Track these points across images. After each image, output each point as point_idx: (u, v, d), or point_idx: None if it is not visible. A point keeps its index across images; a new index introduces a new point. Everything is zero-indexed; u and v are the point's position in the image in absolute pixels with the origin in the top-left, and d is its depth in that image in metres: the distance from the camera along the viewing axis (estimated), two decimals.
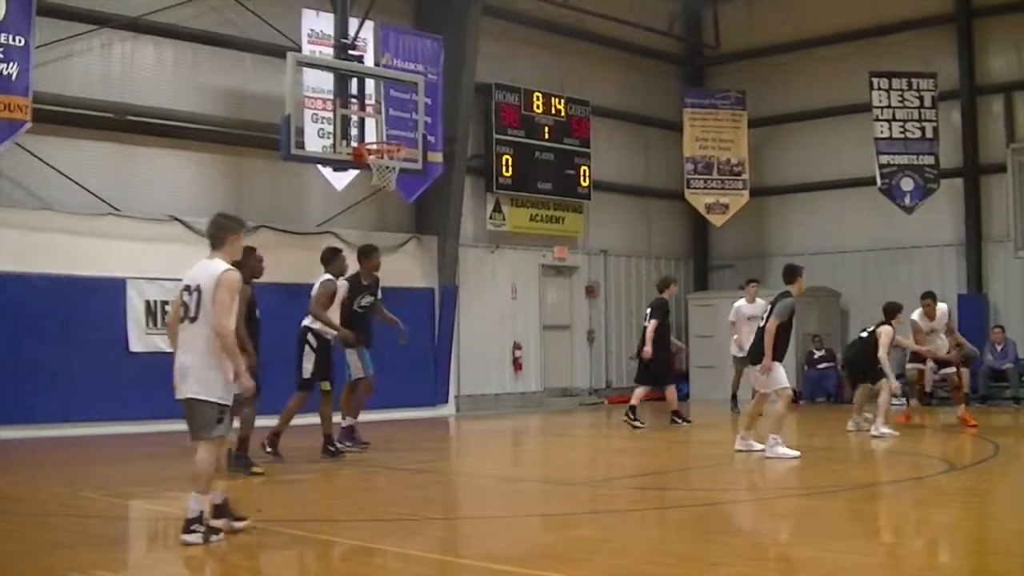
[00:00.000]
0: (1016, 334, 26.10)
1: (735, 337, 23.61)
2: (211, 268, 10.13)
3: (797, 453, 15.49)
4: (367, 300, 17.00)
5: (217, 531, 9.81)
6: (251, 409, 14.01)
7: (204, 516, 9.78)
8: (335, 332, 15.89)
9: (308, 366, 15.73)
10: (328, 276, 16.10)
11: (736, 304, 23.93)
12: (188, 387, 9.93)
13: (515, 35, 27.47)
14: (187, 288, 10.14)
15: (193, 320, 9.98)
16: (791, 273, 17.00)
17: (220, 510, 10.09)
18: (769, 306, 16.42)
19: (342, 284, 16.48)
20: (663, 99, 31.34)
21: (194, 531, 9.69)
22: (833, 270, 29.17)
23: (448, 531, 11.02)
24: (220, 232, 10.43)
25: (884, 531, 10.24)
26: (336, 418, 16.80)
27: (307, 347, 15.77)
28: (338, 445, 16.23)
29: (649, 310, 21.34)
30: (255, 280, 14.34)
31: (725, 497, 12.85)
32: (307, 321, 15.85)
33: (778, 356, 16.07)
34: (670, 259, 31.72)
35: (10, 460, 16.50)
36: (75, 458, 16.65)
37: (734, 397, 24.07)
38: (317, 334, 15.75)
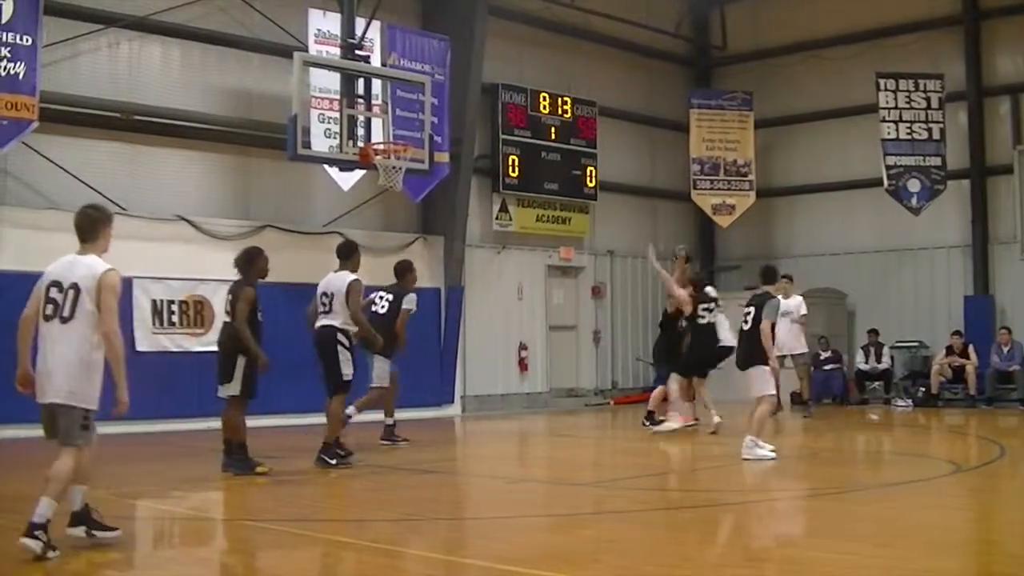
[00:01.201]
0: (1023, 336, 26.08)
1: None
2: (90, 266, 9.70)
3: (774, 455, 15.23)
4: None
5: (53, 547, 9.09)
6: (242, 413, 13.96)
7: (49, 524, 9.21)
8: (363, 335, 15.69)
9: (348, 369, 15.14)
10: (356, 276, 15.76)
11: None
12: (55, 391, 9.38)
13: (522, 35, 27.49)
14: (57, 284, 9.61)
15: (66, 320, 9.48)
16: (773, 274, 16.62)
17: (78, 517, 9.71)
18: (752, 308, 16.05)
19: (415, 299, 16.98)
20: (670, 100, 31.33)
21: (36, 537, 9.07)
22: (839, 271, 29.20)
23: (454, 531, 11.02)
24: (93, 225, 10.06)
25: (888, 533, 10.22)
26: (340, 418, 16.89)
27: (341, 347, 15.16)
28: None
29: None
30: (260, 280, 14.33)
31: (730, 498, 12.84)
32: (336, 322, 15.27)
33: (764, 360, 15.79)
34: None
35: (15, 459, 16.50)
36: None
37: (805, 402, 23.46)
38: (348, 334, 15.33)
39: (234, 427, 13.98)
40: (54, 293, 9.50)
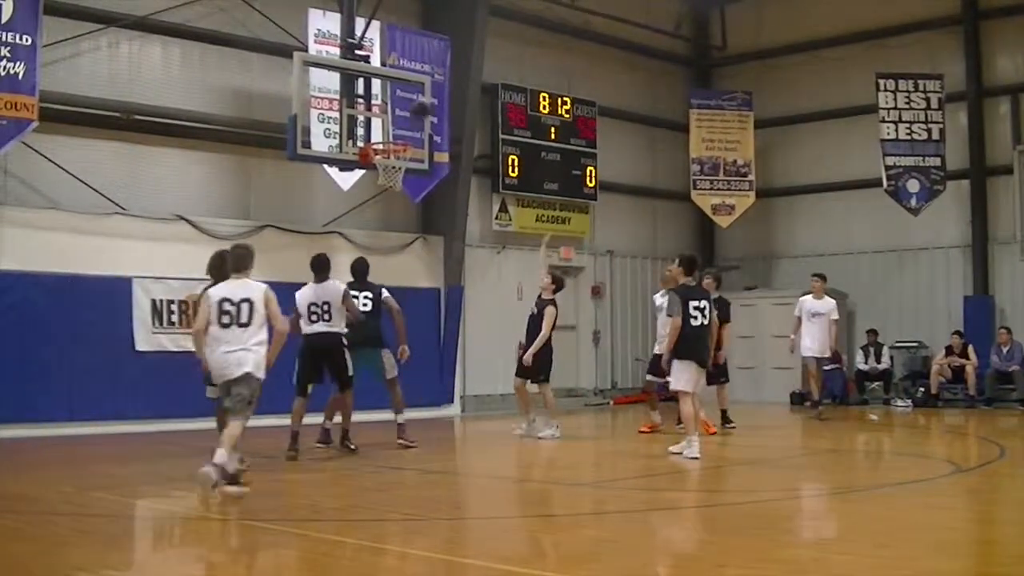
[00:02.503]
0: (1022, 336, 26.09)
1: (792, 336, 22.57)
2: (255, 287, 12.47)
3: (698, 456, 15.16)
4: None
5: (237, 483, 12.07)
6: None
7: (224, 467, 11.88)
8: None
9: (351, 367, 16.32)
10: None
11: (801, 299, 22.77)
12: (244, 367, 12.22)
13: (522, 35, 27.50)
14: (228, 300, 12.29)
15: (244, 325, 12.25)
16: (693, 264, 16.39)
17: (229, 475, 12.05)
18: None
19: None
20: (670, 100, 31.35)
21: (215, 469, 11.83)
22: (839, 271, 29.15)
23: (454, 531, 11.01)
24: (247, 260, 12.73)
25: (889, 533, 10.22)
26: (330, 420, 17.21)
27: (345, 350, 16.29)
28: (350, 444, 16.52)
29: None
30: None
31: (729, 499, 12.84)
32: (338, 327, 16.24)
33: (683, 354, 15.64)
34: (676, 260, 31.62)
35: (16, 459, 16.52)
36: (81, 457, 16.65)
37: (804, 397, 23.15)
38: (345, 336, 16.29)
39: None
40: (227, 307, 12.29)
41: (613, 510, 12.11)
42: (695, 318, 15.62)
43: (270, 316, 12.39)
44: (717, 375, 19.58)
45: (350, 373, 16.25)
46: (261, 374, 12.34)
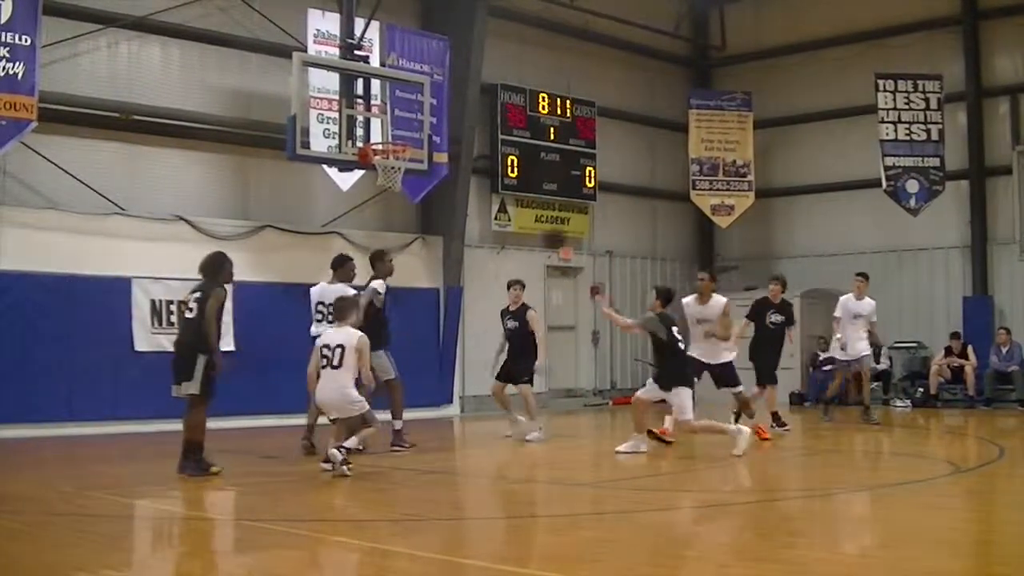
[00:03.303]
0: (1021, 336, 26.10)
1: (838, 336, 21.61)
2: (349, 335, 13.79)
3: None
4: (389, 301, 17.29)
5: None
6: (202, 413, 13.93)
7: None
8: None
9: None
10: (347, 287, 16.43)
11: (842, 299, 21.85)
12: (339, 410, 13.97)
13: (521, 36, 27.52)
14: (327, 346, 13.72)
15: (336, 367, 13.64)
16: (669, 297, 16.47)
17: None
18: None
19: (378, 286, 16.92)
20: (669, 100, 31.35)
21: (339, 453, 13.58)
22: (838, 272, 29.09)
23: (453, 532, 11.01)
24: (348, 309, 14.19)
25: (889, 533, 10.23)
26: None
27: None
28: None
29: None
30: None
31: (731, 498, 12.84)
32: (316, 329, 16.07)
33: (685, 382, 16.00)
34: (675, 260, 31.73)
35: (16, 459, 16.52)
36: (81, 457, 16.67)
37: (827, 404, 22.26)
38: None
39: (193, 427, 13.94)
40: (325, 352, 13.70)
41: (612, 510, 12.10)
42: (680, 342, 16.00)
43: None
44: (767, 377, 19.71)
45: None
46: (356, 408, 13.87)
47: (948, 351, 26.10)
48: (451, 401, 24.93)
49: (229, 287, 14.58)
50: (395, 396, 17.03)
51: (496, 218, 26.88)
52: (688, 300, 17.94)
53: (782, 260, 31.10)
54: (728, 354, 17.77)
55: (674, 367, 15.77)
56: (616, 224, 30.09)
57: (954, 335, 26.33)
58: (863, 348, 21.22)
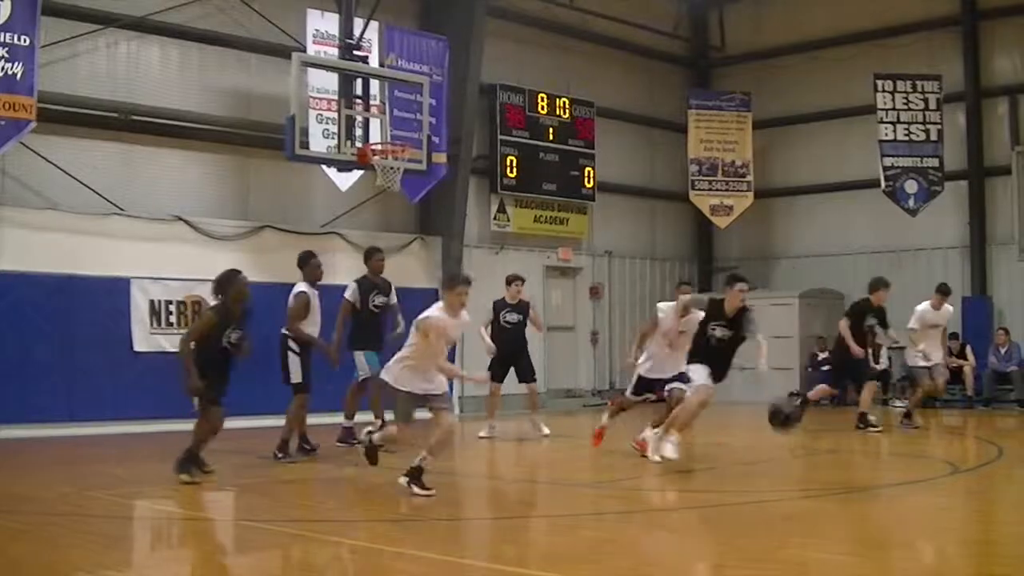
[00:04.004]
0: (1020, 337, 26.12)
1: (921, 347, 21.09)
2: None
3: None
4: (380, 300, 17.17)
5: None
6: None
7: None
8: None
9: (296, 369, 15.88)
10: (302, 289, 16.19)
11: (919, 309, 21.51)
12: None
13: (520, 36, 27.52)
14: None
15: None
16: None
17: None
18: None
19: (352, 287, 16.94)
20: (668, 100, 31.36)
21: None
22: (837, 272, 29.21)
23: (452, 532, 11.01)
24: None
25: (889, 533, 10.23)
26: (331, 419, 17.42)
27: (290, 352, 15.92)
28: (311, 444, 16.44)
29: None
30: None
31: (729, 499, 12.83)
32: (285, 328, 16.02)
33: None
34: (674, 260, 31.75)
35: (16, 459, 16.51)
36: (80, 457, 16.67)
37: (908, 415, 21.45)
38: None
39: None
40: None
41: (611, 511, 12.11)
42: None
43: None
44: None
45: (294, 379, 15.91)
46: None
47: (947, 351, 26.08)
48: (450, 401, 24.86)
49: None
50: (372, 395, 17.03)
51: (495, 218, 26.90)
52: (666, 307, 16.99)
53: (781, 260, 31.14)
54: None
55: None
56: (615, 224, 30.10)
57: (952, 336, 26.32)
58: (938, 357, 21.21)
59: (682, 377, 15.40)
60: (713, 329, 14.83)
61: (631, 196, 30.79)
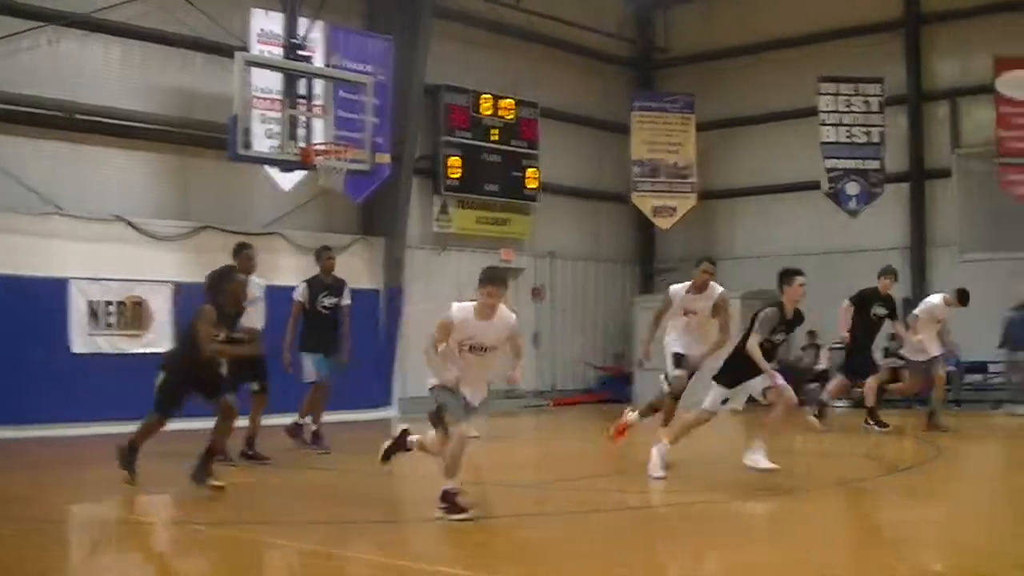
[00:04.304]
0: (959, 337, 26.25)
1: (919, 336, 20.34)
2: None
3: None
4: (330, 301, 16.93)
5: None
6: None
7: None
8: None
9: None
10: None
11: (932, 301, 20.77)
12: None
13: (466, 37, 27.50)
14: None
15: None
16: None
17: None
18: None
19: (301, 286, 16.81)
20: (613, 102, 31.39)
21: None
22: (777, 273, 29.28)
23: (390, 534, 10.98)
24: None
25: (826, 534, 10.30)
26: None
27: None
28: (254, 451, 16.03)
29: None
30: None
31: (678, 499, 12.85)
32: None
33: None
34: (617, 262, 31.84)
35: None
36: (10, 463, 16.45)
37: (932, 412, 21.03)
38: None
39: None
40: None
41: (552, 512, 12.11)
42: None
43: None
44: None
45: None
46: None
47: (887, 352, 26.23)
48: (391, 403, 24.86)
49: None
50: (313, 397, 16.95)
51: (437, 219, 26.89)
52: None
53: (724, 262, 31.11)
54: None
55: None
56: (558, 225, 30.13)
57: (892, 336, 26.45)
58: (936, 350, 20.80)
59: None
60: (776, 334, 13.81)
61: (574, 197, 30.84)
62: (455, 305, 11.20)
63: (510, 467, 16.56)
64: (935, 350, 20.56)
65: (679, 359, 15.52)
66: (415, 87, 24.80)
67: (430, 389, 11.11)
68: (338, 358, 16.97)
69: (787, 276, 14.25)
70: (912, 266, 28.16)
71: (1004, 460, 18.82)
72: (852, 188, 27.75)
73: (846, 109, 27.75)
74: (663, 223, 30.85)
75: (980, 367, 26.70)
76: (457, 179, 26.84)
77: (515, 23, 28.48)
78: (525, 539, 10.27)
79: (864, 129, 27.74)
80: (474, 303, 11.12)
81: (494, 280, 11.08)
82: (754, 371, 13.42)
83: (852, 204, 27.77)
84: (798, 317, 14.11)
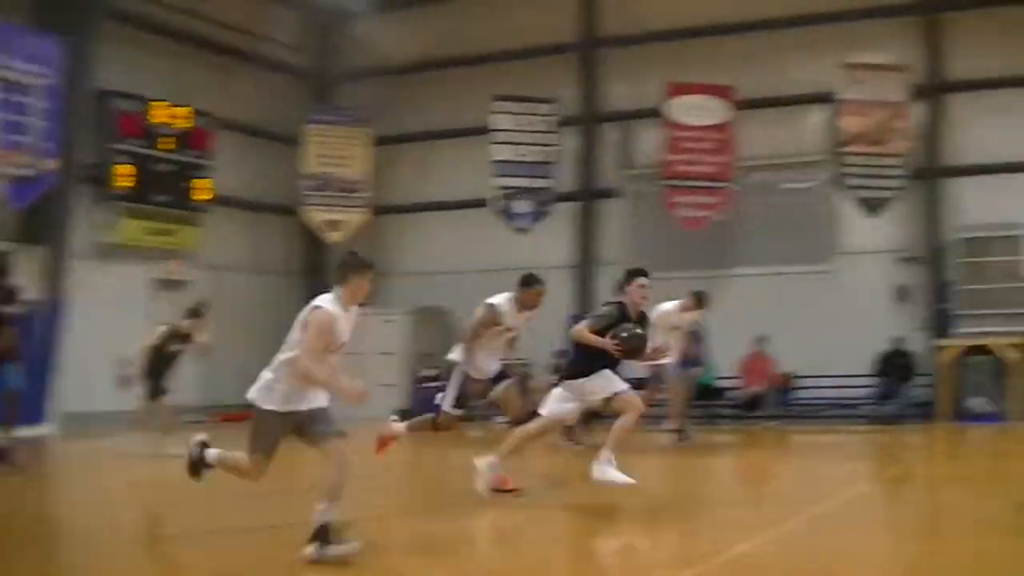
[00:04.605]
0: None
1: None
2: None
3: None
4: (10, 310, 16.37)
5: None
6: None
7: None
8: None
9: None
10: None
11: (663, 308, 20.39)
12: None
13: (140, 42, 26.94)
14: None
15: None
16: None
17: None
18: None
19: None
20: (289, 114, 31.10)
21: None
22: (450, 289, 29.46)
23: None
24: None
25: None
26: None
27: None
28: None
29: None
30: None
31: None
32: None
33: None
34: (285, 275, 31.54)
35: None
36: None
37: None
38: None
39: None
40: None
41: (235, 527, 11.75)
42: None
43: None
44: None
45: None
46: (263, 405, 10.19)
47: (555, 368, 26.63)
48: (46, 419, 23.71)
49: None
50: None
51: (103, 229, 26.10)
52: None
53: (392, 277, 31.18)
54: None
55: None
56: (227, 238, 29.70)
57: (559, 353, 26.87)
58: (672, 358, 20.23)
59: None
60: (621, 331, 13.15)
61: (246, 209, 30.51)
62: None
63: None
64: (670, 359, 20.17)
65: (464, 395, 14.83)
66: (84, 91, 24.08)
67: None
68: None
69: (632, 275, 13.67)
70: (579, 284, 28.75)
71: None
72: (522, 206, 28.22)
73: (520, 128, 28.25)
74: (332, 238, 30.68)
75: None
76: (125, 188, 26.19)
77: (192, 30, 28.01)
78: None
79: (537, 148, 28.24)
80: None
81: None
82: (596, 365, 13.21)
83: (522, 222, 28.19)
84: (643, 319, 13.65)
